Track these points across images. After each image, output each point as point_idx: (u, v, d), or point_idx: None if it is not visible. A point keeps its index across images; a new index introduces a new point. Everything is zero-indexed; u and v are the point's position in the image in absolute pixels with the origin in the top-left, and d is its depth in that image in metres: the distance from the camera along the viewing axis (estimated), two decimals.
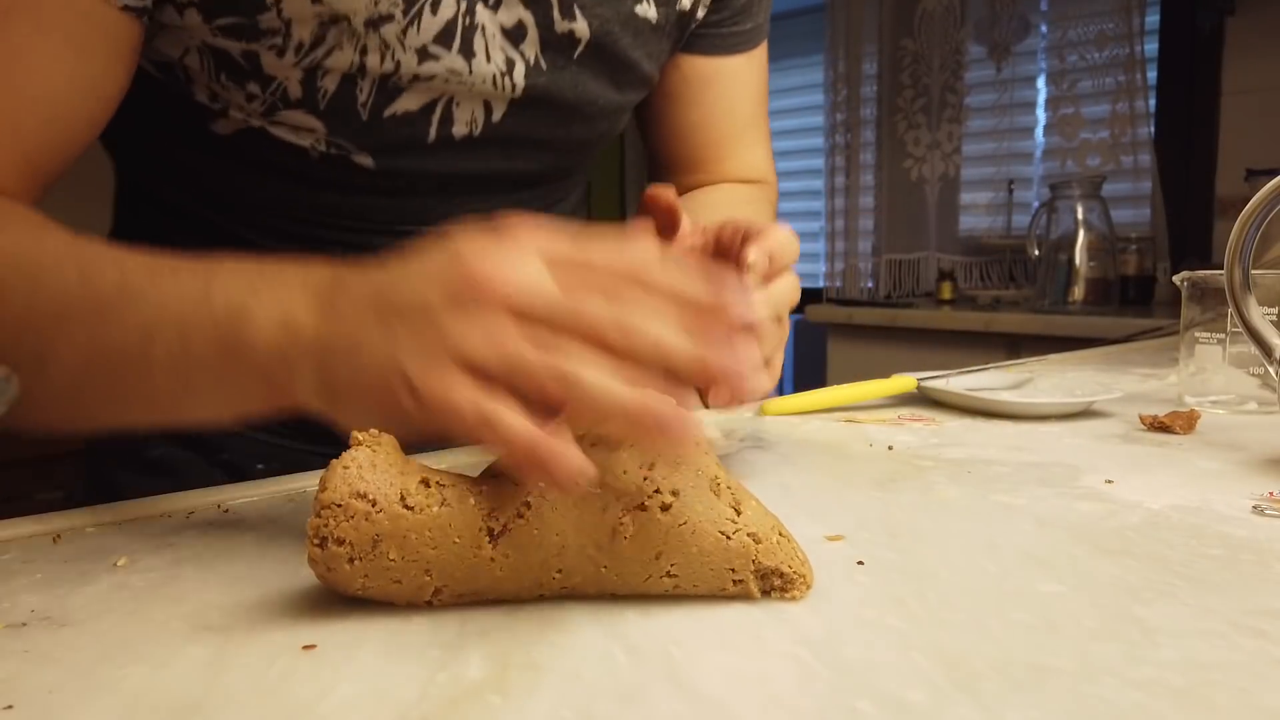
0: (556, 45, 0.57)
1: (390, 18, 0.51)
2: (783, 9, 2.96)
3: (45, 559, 0.39)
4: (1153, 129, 2.21)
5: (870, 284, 2.75)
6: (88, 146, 0.50)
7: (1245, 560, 0.36)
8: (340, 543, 0.30)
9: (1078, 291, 1.99)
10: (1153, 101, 2.22)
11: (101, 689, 0.27)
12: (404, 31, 0.52)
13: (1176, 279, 0.73)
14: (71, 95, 0.47)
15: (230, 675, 0.28)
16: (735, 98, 0.73)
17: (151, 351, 0.39)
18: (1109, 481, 0.48)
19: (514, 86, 0.57)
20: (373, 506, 0.30)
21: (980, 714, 0.24)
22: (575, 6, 0.57)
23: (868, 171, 2.71)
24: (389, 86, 0.54)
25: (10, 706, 0.26)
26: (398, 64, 0.53)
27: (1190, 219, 2.17)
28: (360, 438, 0.32)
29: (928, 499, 0.45)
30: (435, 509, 0.31)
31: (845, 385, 0.71)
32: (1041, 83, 2.40)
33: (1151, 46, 2.21)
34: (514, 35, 0.56)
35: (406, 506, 0.31)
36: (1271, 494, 0.45)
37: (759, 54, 0.74)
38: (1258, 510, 0.42)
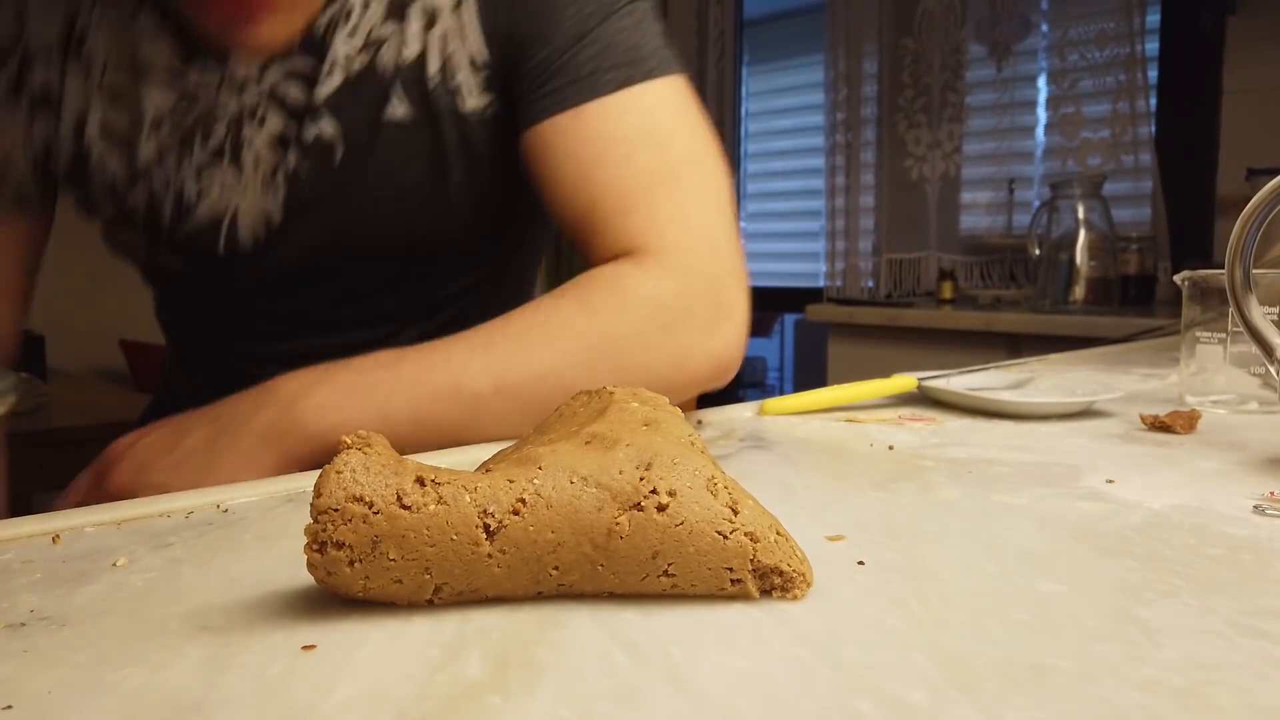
0: (315, 151, 0.64)
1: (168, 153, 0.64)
2: (783, 8, 2.97)
3: (44, 559, 0.39)
4: (1154, 128, 2.21)
5: (871, 283, 2.75)
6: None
7: (1246, 560, 0.36)
8: (339, 546, 0.30)
9: (1078, 291, 1.99)
10: (1154, 101, 2.22)
11: (101, 689, 0.27)
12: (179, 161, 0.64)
13: (1177, 278, 0.73)
14: None
15: (230, 675, 0.28)
16: (584, 160, 0.63)
17: None
18: (1110, 481, 0.48)
19: (278, 192, 0.65)
20: (370, 508, 0.30)
21: (980, 714, 0.24)
22: (324, 110, 0.63)
23: (868, 171, 2.71)
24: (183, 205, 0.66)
25: (9, 707, 0.26)
26: (181, 187, 0.65)
27: (1191, 218, 2.16)
28: (349, 441, 0.32)
29: (928, 499, 0.45)
30: (432, 507, 0.31)
31: (845, 385, 0.71)
32: (1042, 82, 2.40)
33: (1152, 45, 2.21)
34: (279, 145, 0.64)
35: (404, 506, 0.31)
36: (1272, 493, 0.45)
37: (607, 107, 0.63)
38: (1259, 510, 0.42)
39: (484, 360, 0.56)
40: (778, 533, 0.33)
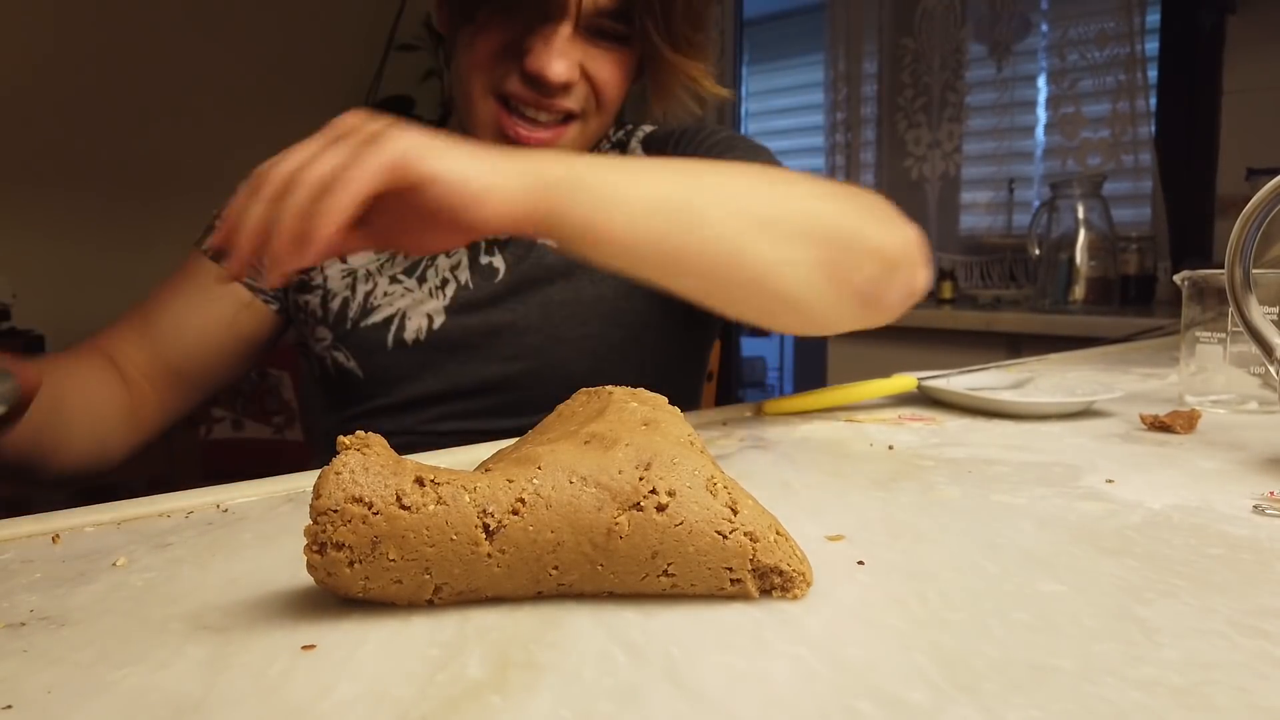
0: (484, 272, 0.79)
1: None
2: (783, 8, 2.96)
3: (44, 559, 0.39)
4: (1153, 128, 2.21)
5: None
6: (228, 371, 0.80)
7: (1245, 560, 0.36)
8: (339, 547, 0.30)
9: (1078, 291, 1.99)
10: (1153, 100, 2.22)
11: (100, 689, 0.27)
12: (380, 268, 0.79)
13: (1177, 278, 0.73)
14: (209, 333, 0.77)
15: (229, 675, 0.28)
16: None
17: None
18: (1109, 481, 0.48)
19: (445, 296, 0.78)
20: (369, 509, 0.30)
21: (980, 714, 0.24)
22: (495, 248, 0.79)
23: (868, 171, 2.71)
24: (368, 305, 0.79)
25: (9, 706, 0.26)
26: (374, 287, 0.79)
27: (1191, 218, 2.16)
28: (347, 442, 0.32)
29: (928, 499, 0.45)
30: (431, 507, 0.31)
31: (846, 385, 0.71)
32: (1042, 82, 2.40)
33: (1152, 45, 2.21)
34: (457, 268, 0.80)
35: (403, 507, 0.31)
36: (1272, 493, 0.45)
37: None
38: (1258, 510, 0.42)
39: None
40: (777, 532, 0.33)
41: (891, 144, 2.66)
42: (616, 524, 0.32)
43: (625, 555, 0.32)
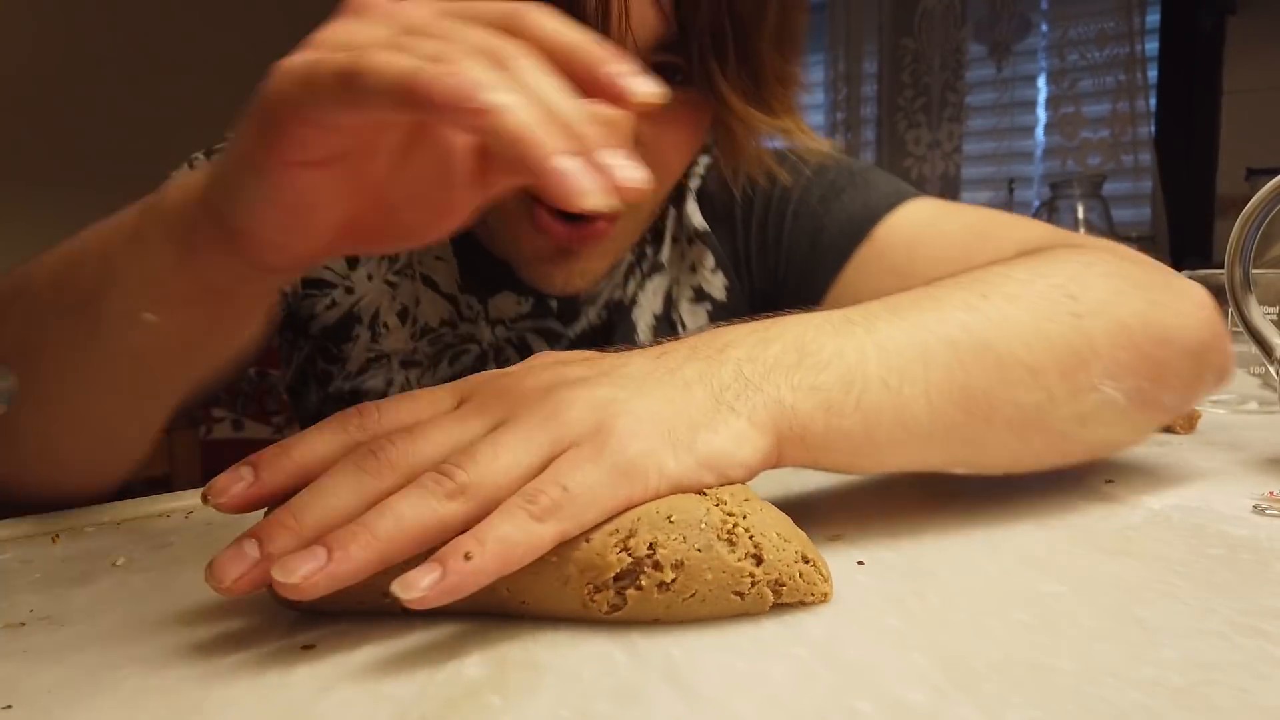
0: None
1: (418, 363, 0.67)
2: None
3: (44, 558, 0.39)
4: (1153, 128, 2.21)
5: None
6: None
7: (1245, 560, 0.36)
8: None
9: None
10: (1153, 100, 2.22)
11: (100, 689, 0.27)
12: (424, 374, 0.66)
13: None
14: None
15: (229, 675, 0.28)
16: (897, 267, 0.59)
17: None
18: (1109, 481, 0.48)
19: None
20: None
21: (980, 714, 0.24)
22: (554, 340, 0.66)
23: None
24: None
25: (9, 706, 0.26)
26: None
27: (1191, 218, 2.16)
28: None
29: (928, 498, 0.45)
30: None
31: None
32: (1042, 82, 2.40)
33: (1152, 45, 2.21)
34: None
35: None
36: (1272, 493, 0.45)
37: (891, 226, 0.60)
38: (1258, 510, 0.42)
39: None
40: (804, 559, 0.31)
41: (891, 144, 2.65)
42: (592, 601, 0.29)
43: (615, 620, 0.30)
